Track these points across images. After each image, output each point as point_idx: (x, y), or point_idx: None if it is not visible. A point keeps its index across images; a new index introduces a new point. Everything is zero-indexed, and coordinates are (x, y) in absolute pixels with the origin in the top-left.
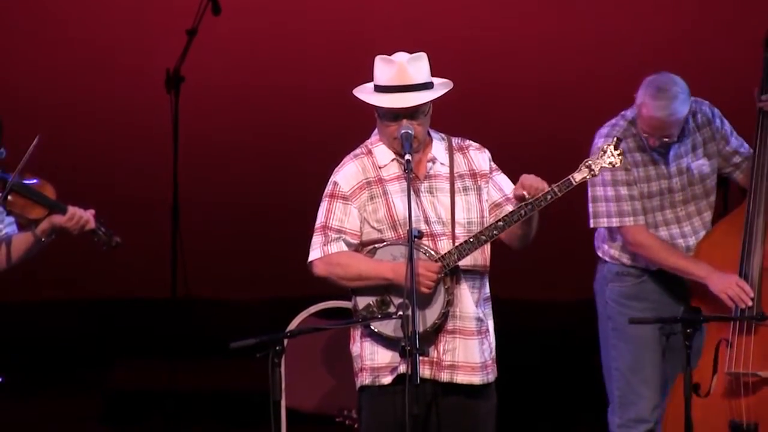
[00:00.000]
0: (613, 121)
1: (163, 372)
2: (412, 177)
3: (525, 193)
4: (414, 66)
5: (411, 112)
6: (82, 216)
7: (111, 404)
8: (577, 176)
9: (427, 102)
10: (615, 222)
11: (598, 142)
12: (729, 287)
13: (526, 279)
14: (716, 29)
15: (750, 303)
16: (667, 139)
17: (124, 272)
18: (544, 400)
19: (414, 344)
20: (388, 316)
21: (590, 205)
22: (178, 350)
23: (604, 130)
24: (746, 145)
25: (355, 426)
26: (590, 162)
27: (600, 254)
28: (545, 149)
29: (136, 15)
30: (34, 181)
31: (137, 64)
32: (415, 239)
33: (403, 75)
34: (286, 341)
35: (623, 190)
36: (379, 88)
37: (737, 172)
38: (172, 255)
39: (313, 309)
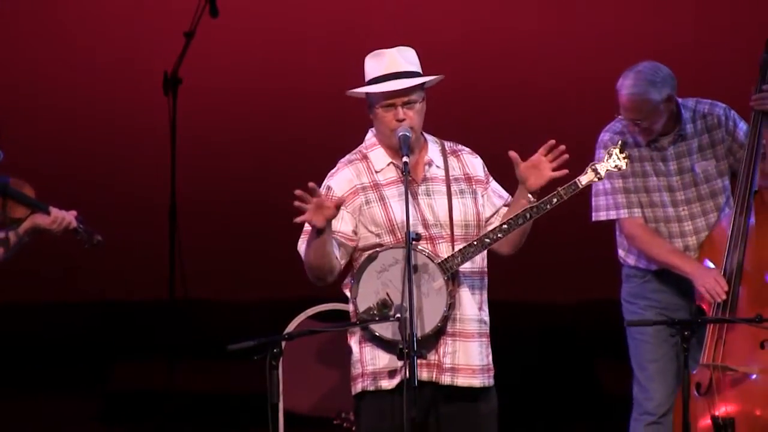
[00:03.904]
0: (613, 121)
1: (161, 373)
2: (409, 180)
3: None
4: (403, 55)
5: (405, 100)
6: (64, 217)
7: (110, 405)
8: (583, 179)
9: (421, 90)
10: (612, 215)
11: (600, 145)
12: (707, 281)
13: (526, 281)
14: (716, 31)
15: (723, 297)
16: (642, 124)
17: (122, 274)
18: (543, 402)
19: (411, 347)
20: (385, 318)
21: (593, 199)
22: (176, 352)
23: (604, 135)
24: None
25: (353, 429)
26: (596, 165)
27: (618, 258)
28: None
29: (133, 17)
30: (9, 179)
31: (135, 66)
32: (414, 242)
33: (393, 63)
34: (283, 343)
35: (618, 183)
36: (372, 80)
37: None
38: (170, 257)
39: (310, 311)
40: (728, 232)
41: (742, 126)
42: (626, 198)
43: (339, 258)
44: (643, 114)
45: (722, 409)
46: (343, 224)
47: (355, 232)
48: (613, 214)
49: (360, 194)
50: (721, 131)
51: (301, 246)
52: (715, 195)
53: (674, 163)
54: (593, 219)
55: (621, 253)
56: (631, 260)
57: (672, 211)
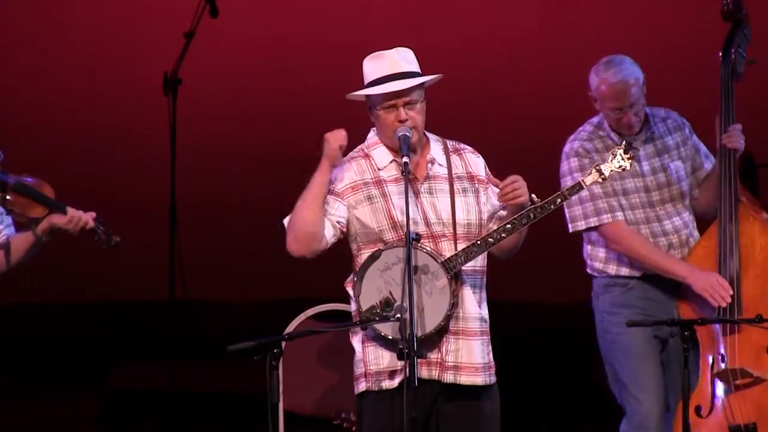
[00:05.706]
0: (579, 128)
1: (161, 374)
2: (412, 178)
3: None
4: (402, 56)
5: (407, 100)
6: (81, 217)
7: (109, 406)
8: (588, 180)
9: (421, 89)
10: (593, 222)
11: (565, 156)
12: (710, 285)
13: (524, 281)
14: (716, 36)
15: (729, 300)
16: (633, 110)
17: (122, 275)
18: (542, 402)
19: (412, 347)
20: (386, 319)
21: (566, 210)
22: (176, 352)
23: (573, 144)
24: (708, 163)
25: (353, 429)
26: (600, 166)
27: (589, 271)
28: (544, 154)
29: (133, 17)
30: (32, 180)
31: (135, 66)
32: (414, 242)
33: (393, 64)
34: (284, 344)
35: (596, 188)
36: (373, 82)
37: (696, 191)
38: (170, 257)
39: (311, 311)
40: (716, 240)
41: (695, 139)
42: (607, 202)
43: (326, 236)
44: (634, 96)
45: (741, 416)
46: (337, 210)
47: (345, 225)
48: (593, 221)
49: (362, 190)
50: (684, 133)
51: (287, 219)
52: (683, 196)
53: (647, 164)
54: (570, 230)
55: (597, 265)
56: (611, 269)
57: (651, 211)
